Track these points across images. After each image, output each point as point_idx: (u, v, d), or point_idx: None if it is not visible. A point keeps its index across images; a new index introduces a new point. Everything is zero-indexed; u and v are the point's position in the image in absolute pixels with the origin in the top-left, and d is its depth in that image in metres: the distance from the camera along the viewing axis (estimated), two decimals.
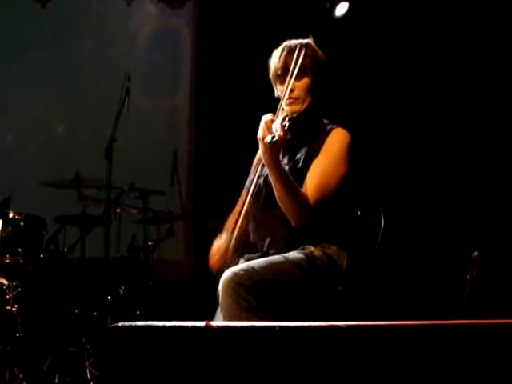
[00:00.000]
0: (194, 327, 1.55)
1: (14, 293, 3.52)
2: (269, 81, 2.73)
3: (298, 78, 2.58)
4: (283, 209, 2.47)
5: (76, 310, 3.92)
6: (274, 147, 2.36)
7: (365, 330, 1.54)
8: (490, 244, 3.95)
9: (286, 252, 2.50)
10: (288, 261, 2.45)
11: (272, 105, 2.58)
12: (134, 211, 4.62)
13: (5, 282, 3.52)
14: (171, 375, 1.55)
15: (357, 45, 4.79)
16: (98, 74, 5.55)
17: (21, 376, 3.38)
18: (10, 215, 3.61)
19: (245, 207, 2.54)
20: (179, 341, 1.56)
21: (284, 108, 2.59)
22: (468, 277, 3.30)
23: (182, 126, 5.84)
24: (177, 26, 5.85)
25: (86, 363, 3.71)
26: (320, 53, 2.68)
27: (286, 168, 2.55)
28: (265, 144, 2.37)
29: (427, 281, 4.23)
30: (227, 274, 2.34)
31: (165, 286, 4.70)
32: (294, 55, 2.56)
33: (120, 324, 1.59)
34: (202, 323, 1.55)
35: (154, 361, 1.55)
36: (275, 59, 2.67)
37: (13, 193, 4.05)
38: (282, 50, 2.65)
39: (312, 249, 2.53)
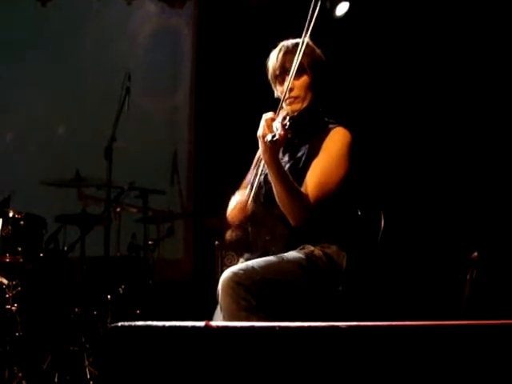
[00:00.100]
0: (193, 327, 1.55)
1: (14, 292, 3.51)
2: (269, 80, 2.73)
3: (297, 76, 2.57)
4: (282, 208, 2.46)
5: (76, 309, 3.92)
6: (274, 146, 2.36)
7: (365, 331, 1.54)
8: (490, 244, 3.95)
9: (285, 251, 2.49)
10: (288, 260, 2.45)
11: (272, 104, 2.57)
12: (134, 210, 4.63)
13: (5, 281, 3.52)
14: (171, 375, 1.55)
15: (357, 44, 4.79)
16: (98, 74, 5.55)
17: (20, 375, 3.38)
18: (10, 214, 3.61)
19: (261, 166, 2.54)
20: (179, 341, 1.56)
21: (284, 107, 2.59)
22: (468, 277, 3.30)
23: (182, 126, 5.85)
24: (177, 26, 5.85)
25: (86, 362, 3.71)
26: (318, 51, 2.67)
27: (287, 166, 2.55)
28: (265, 143, 2.36)
29: (427, 281, 4.23)
30: (227, 273, 2.34)
31: (165, 285, 4.70)
32: (291, 55, 2.56)
33: (120, 324, 1.59)
34: (201, 323, 1.55)
35: (153, 360, 1.55)
36: (273, 60, 2.66)
37: (13, 192, 4.04)
38: (279, 50, 2.65)
39: (312, 248, 2.52)
